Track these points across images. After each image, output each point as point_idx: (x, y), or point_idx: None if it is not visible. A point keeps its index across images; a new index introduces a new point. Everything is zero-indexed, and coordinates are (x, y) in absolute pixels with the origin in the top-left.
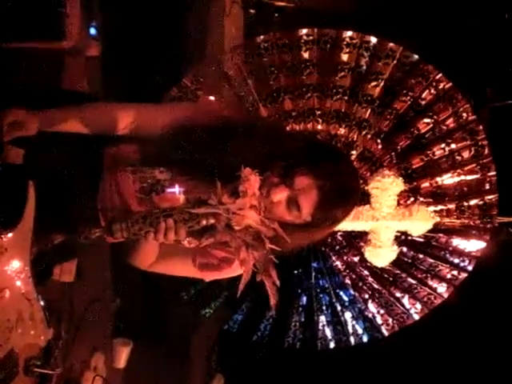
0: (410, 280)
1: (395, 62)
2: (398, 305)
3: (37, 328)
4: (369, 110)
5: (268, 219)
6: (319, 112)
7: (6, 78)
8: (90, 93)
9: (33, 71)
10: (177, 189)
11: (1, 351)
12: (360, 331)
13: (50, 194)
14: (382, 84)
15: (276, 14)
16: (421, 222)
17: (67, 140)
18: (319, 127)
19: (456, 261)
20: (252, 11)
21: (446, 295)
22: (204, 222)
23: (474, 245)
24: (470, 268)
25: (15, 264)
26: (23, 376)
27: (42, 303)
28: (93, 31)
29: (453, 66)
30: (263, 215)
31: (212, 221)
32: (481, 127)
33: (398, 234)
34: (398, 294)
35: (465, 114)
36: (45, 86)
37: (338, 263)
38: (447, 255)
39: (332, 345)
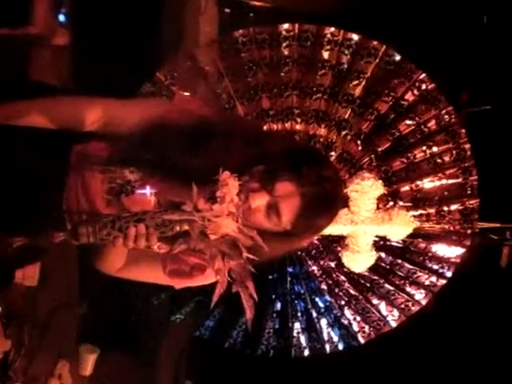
0: (388, 286)
1: (378, 60)
2: (375, 311)
3: None
4: (349, 110)
5: (246, 227)
6: (298, 111)
7: None
8: (56, 85)
9: None
10: (148, 190)
11: None
12: (335, 338)
13: (10, 192)
14: (363, 83)
15: (251, 14)
16: (400, 226)
17: (31, 135)
18: (298, 127)
19: (435, 267)
20: (227, 10)
21: (423, 302)
22: (177, 228)
23: (454, 251)
24: (449, 274)
25: None
26: None
27: None
28: (62, 18)
29: (430, 69)
30: (241, 222)
31: (186, 227)
32: (463, 130)
33: (377, 239)
34: (375, 301)
35: (447, 117)
36: (8, 77)
37: (315, 268)
38: (426, 261)
39: (306, 352)
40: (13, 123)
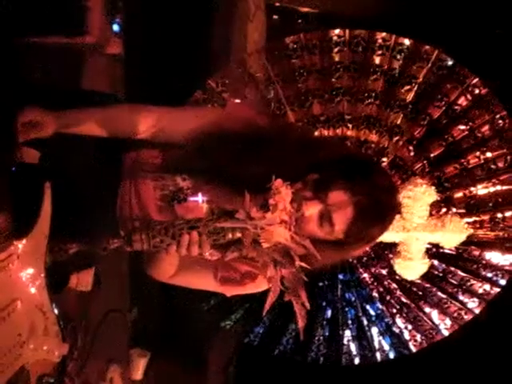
0: (440, 294)
1: (430, 65)
2: (427, 320)
3: (51, 343)
4: (401, 116)
5: (299, 235)
6: (349, 117)
7: (23, 75)
8: (110, 93)
9: (51, 69)
10: (200, 197)
11: (11, 369)
12: (386, 347)
13: (66, 199)
14: (415, 88)
15: (299, 20)
16: (453, 233)
17: (85, 143)
18: (349, 133)
19: (489, 275)
20: (275, 17)
21: (477, 311)
22: (230, 236)
23: (508, 258)
24: (503, 282)
25: (29, 272)
26: None
27: (56, 315)
28: (116, 28)
29: (484, 73)
30: (293, 231)
31: (238, 235)
32: None
33: (429, 246)
34: (427, 309)
35: (501, 121)
36: (64, 85)
37: (366, 275)
38: (480, 269)
39: (357, 361)
40: (69, 131)
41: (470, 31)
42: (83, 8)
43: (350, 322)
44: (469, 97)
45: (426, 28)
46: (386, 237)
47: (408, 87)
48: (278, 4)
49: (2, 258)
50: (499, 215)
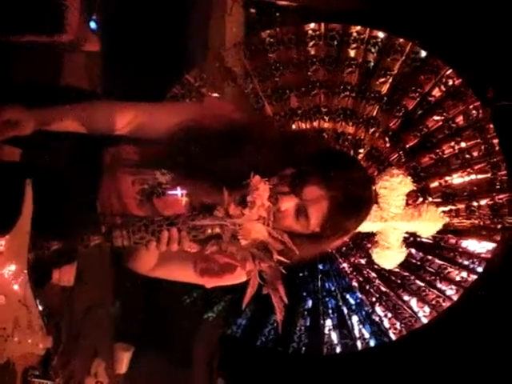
0: (419, 282)
1: (404, 57)
2: (406, 308)
3: (35, 336)
4: (377, 108)
5: (276, 230)
6: (326, 109)
7: (1, 73)
8: (88, 90)
9: (30, 66)
10: (179, 191)
11: None
12: (367, 335)
13: (46, 196)
14: (390, 80)
15: (277, 14)
16: (430, 222)
17: (65, 139)
18: (326, 125)
19: (466, 262)
20: (253, 10)
21: (455, 298)
22: (209, 231)
23: (485, 246)
24: (479, 270)
25: (11, 268)
26: None
27: (40, 309)
28: (93, 25)
29: (456, 64)
30: (271, 226)
31: (218, 230)
32: (491, 125)
33: (407, 235)
34: (406, 297)
35: (475, 112)
36: (42, 83)
37: (345, 265)
38: (457, 257)
39: (338, 349)
40: (48, 128)
41: (444, 23)
42: (61, 6)
43: (330, 311)
44: (443, 88)
45: (400, 20)
46: (364, 227)
47: (383, 79)
48: None
49: None
50: (475, 204)
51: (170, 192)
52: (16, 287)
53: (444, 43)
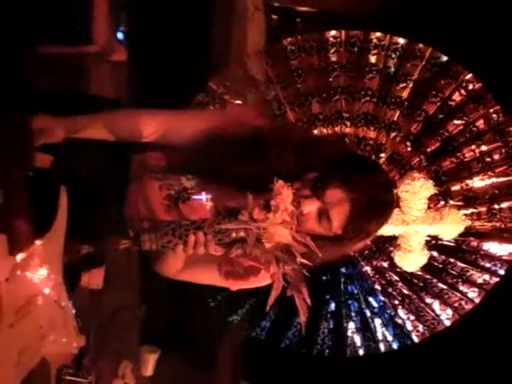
0: (441, 285)
1: (424, 63)
2: (429, 310)
3: (69, 335)
4: (397, 112)
5: (299, 233)
6: (347, 115)
7: (32, 83)
8: (115, 99)
9: (59, 77)
10: (204, 196)
11: (34, 360)
12: (390, 338)
13: (77, 202)
14: (410, 85)
15: (298, 19)
16: (452, 225)
17: (94, 147)
18: (347, 130)
19: (487, 265)
20: (274, 17)
21: (477, 300)
22: (234, 235)
23: (506, 248)
24: (501, 272)
25: (48, 271)
26: None
27: (73, 310)
28: (120, 35)
29: (478, 69)
30: (294, 229)
31: (242, 234)
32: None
33: (429, 239)
34: (429, 300)
35: (495, 115)
36: (71, 92)
37: (368, 268)
38: (478, 259)
39: (361, 352)
40: (77, 136)
41: (464, 28)
42: (89, 18)
43: (353, 314)
44: (463, 92)
45: (422, 25)
46: (386, 230)
47: (403, 84)
48: (276, 4)
49: (24, 257)
50: (496, 206)
51: (196, 197)
52: (52, 289)
53: (465, 48)
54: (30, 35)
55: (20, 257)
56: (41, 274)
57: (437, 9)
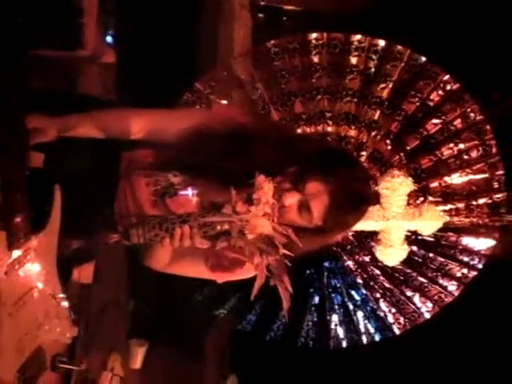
0: (421, 279)
1: (403, 64)
2: (409, 303)
3: (63, 325)
4: (378, 112)
5: (281, 225)
6: (329, 114)
7: (27, 85)
8: (105, 98)
9: (51, 78)
10: (190, 191)
11: (30, 347)
12: (372, 330)
13: (68, 199)
14: (390, 86)
15: (284, 18)
16: (431, 221)
17: (85, 145)
18: (329, 129)
19: (466, 259)
20: (260, 15)
21: (456, 293)
22: (218, 228)
23: (484, 243)
24: (479, 266)
25: (43, 265)
26: (50, 372)
27: (67, 302)
28: (109, 39)
29: (460, 67)
30: (276, 221)
31: (226, 227)
32: (488, 127)
33: (409, 234)
34: (409, 293)
35: (472, 114)
36: (62, 93)
37: (350, 263)
38: (457, 254)
39: (344, 344)
40: (68, 134)
41: (444, 27)
42: (80, 25)
43: (336, 307)
44: (441, 93)
45: (400, 25)
46: (367, 226)
47: (383, 85)
48: (262, 3)
49: (21, 252)
50: (473, 202)
51: (182, 192)
52: (47, 282)
53: (444, 48)
54: (28, 41)
55: (17, 252)
56: (37, 269)
57: (419, 9)
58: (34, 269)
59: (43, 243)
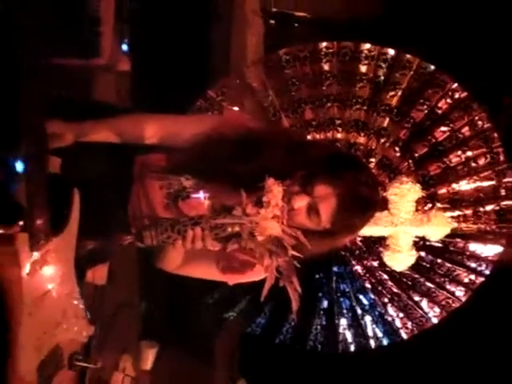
0: (429, 284)
1: (412, 72)
2: (417, 308)
3: (80, 325)
4: (387, 119)
5: (290, 227)
6: (339, 121)
7: (44, 92)
8: (120, 104)
9: (69, 85)
10: (201, 194)
11: (48, 346)
12: (380, 334)
13: (83, 201)
14: (399, 94)
15: (296, 24)
16: (438, 227)
17: (100, 150)
18: (339, 136)
19: (473, 265)
20: (272, 22)
21: (463, 299)
22: (229, 230)
23: (491, 249)
24: (487, 272)
25: (61, 266)
26: (67, 369)
27: (83, 302)
28: (125, 47)
29: (469, 73)
30: (285, 223)
31: (237, 229)
32: (496, 135)
33: (417, 239)
34: (417, 298)
35: (480, 122)
36: (79, 100)
37: (358, 268)
38: (464, 260)
39: (352, 348)
40: (84, 140)
41: (449, 35)
42: (96, 34)
43: (345, 311)
44: (449, 100)
45: (410, 33)
46: (376, 231)
47: (393, 93)
48: (274, 9)
49: (42, 253)
50: (481, 209)
51: (194, 195)
52: (65, 283)
53: (451, 55)
54: (47, 50)
55: (38, 254)
56: (56, 270)
57: (428, 17)
58: (53, 269)
59: (62, 245)
